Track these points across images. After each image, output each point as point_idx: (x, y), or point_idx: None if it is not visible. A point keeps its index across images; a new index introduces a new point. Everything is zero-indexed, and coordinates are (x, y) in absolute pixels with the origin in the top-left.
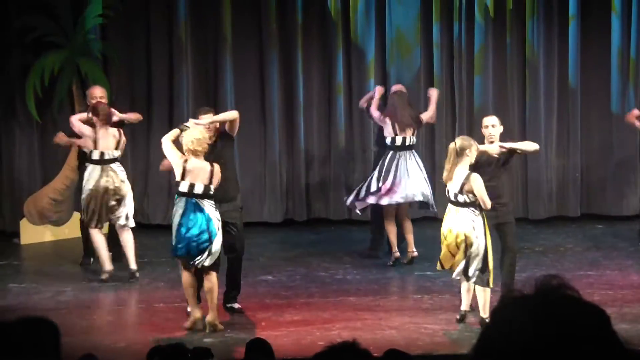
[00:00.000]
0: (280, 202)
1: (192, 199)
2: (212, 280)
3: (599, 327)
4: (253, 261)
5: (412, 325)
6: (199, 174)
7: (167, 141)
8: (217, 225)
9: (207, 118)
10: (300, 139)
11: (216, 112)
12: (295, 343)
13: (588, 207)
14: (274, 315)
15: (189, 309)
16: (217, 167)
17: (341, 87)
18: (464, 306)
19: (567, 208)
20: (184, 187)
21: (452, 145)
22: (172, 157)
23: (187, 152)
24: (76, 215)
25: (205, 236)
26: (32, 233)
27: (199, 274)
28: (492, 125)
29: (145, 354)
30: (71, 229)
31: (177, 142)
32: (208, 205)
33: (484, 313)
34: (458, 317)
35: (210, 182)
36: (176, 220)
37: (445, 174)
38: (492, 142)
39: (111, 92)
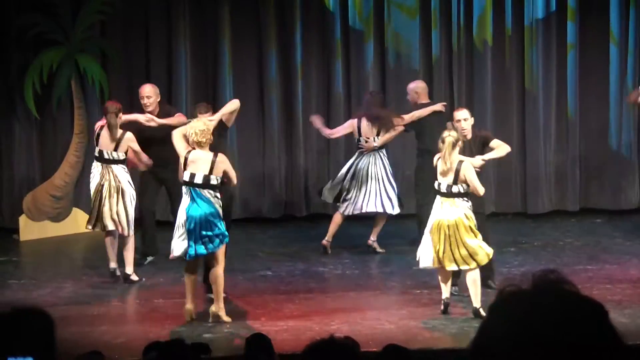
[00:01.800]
0: (280, 198)
1: (194, 188)
2: (217, 270)
3: (597, 322)
4: (252, 256)
5: (411, 320)
6: (200, 164)
7: (176, 134)
8: (219, 216)
9: (206, 116)
10: (299, 134)
11: (214, 109)
12: (295, 338)
13: (587, 201)
14: (273, 310)
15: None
16: (220, 157)
17: (340, 83)
18: (447, 294)
19: (566, 202)
20: (185, 176)
21: (449, 139)
22: (178, 148)
23: (192, 143)
24: (75, 212)
25: (213, 224)
26: (31, 229)
27: (205, 264)
28: (463, 119)
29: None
30: (70, 225)
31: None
32: (210, 196)
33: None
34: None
35: (211, 172)
36: (182, 216)
37: (444, 167)
38: (465, 136)
39: (109, 89)
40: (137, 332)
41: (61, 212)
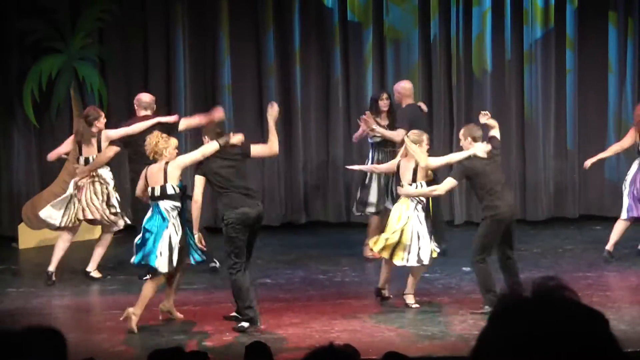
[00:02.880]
0: (279, 205)
1: (155, 203)
2: (145, 286)
3: (597, 330)
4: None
5: (410, 327)
6: (155, 177)
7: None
8: (170, 227)
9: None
10: (299, 142)
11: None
12: (294, 346)
13: (586, 208)
14: (272, 318)
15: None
16: (172, 164)
17: (339, 90)
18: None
19: (565, 209)
20: (149, 194)
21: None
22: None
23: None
24: None
25: (147, 235)
26: (30, 237)
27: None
28: (459, 139)
29: (143, 357)
30: None
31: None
32: (167, 207)
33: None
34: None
35: (165, 181)
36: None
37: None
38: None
39: (108, 97)
40: (135, 341)
41: None
